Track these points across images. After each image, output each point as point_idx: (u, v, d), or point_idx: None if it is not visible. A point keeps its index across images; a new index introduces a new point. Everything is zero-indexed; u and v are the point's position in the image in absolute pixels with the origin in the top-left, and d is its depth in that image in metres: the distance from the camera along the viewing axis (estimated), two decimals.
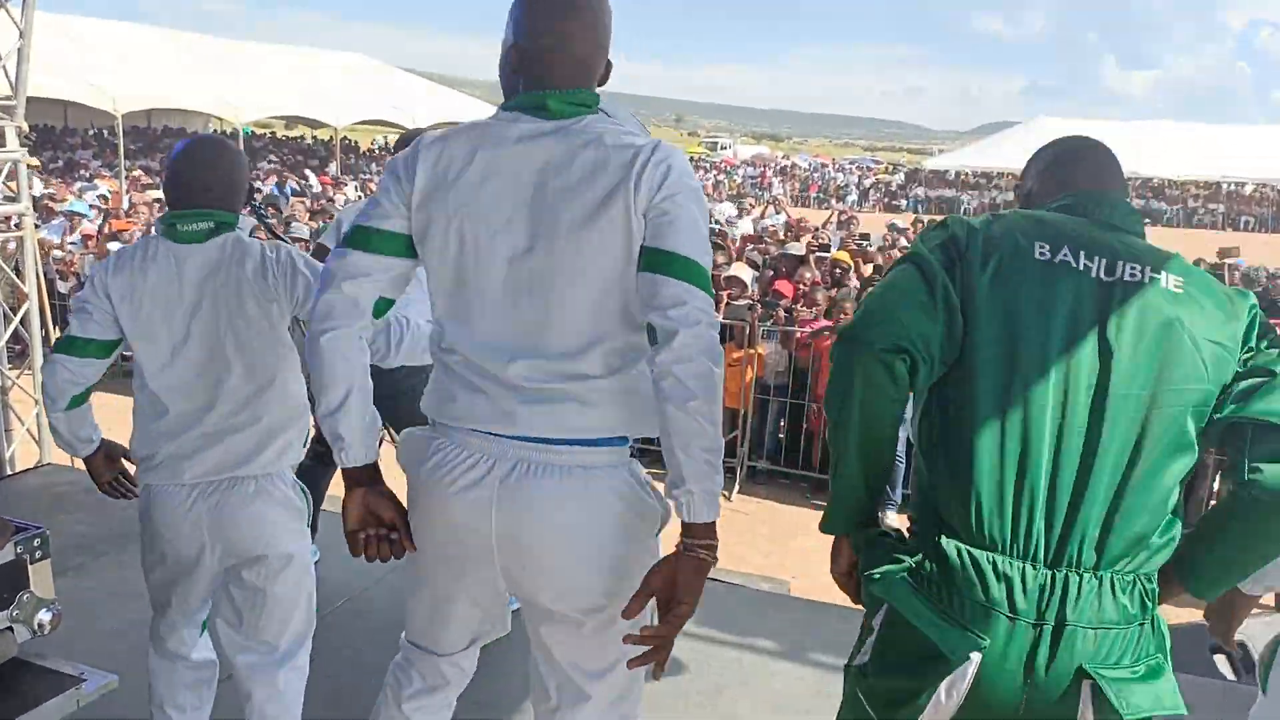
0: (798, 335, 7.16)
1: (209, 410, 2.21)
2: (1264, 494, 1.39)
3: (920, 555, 1.51)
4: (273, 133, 37.30)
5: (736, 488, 7.01)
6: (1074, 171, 1.66)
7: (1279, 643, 1.62)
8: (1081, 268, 1.48)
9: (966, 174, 41.08)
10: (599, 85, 1.73)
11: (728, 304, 7.55)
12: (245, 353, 2.19)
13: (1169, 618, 1.70)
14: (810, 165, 48.29)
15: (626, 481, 1.68)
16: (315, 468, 3.57)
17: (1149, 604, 1.46)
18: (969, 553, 1.45)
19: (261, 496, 2.24)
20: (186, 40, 28.06)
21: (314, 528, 2.71)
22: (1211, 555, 1.49)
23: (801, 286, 7.75)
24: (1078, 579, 1.41)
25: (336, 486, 1.97)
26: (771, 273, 8.29)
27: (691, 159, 51.37)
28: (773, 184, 39.88)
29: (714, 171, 42.86)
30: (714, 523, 1.56)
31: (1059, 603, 1.41)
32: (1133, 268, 1.48)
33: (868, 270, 8.57)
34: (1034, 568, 1.42)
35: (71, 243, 10.58)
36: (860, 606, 1.64)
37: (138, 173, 20.96)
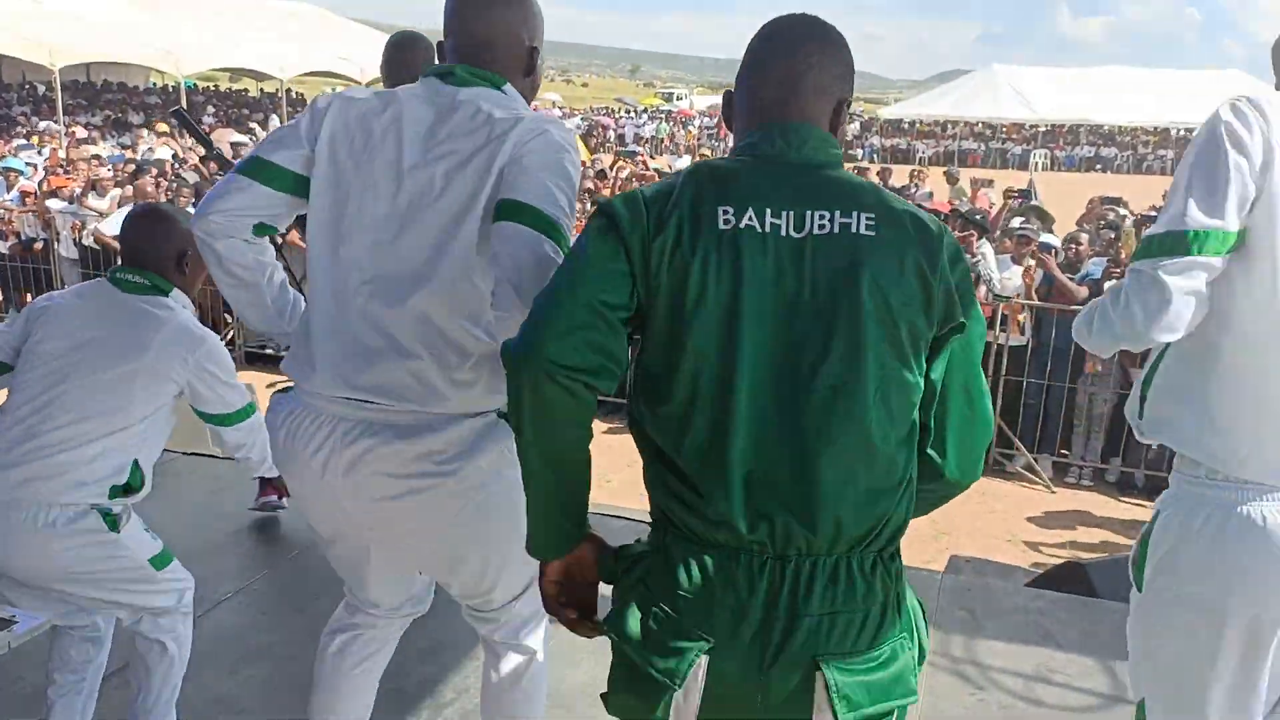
0: None
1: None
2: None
3: (649, 557, 1.43)
4: (216, 85, 36.39)
5: None
6: (762, 91, 1.45)
7: (1145, 541, 1.69)
8: (768, 228, 1.34)
9: (921, 123, 41.21)
10: (526, 74, 1.88)
11: None
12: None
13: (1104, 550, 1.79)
14: None
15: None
16: None
17: (890, 582, 1.38)
18: (688, 548, 1.37)
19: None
20: None
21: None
22: None
23: None
24: (808, 564, 1.33)
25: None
26: None
27: (647, 110, 50.87)
28: (729, 135, 39.67)
29: (670, 123, 42.57)
30: None
31: (789, 592, 1.33)
32: (822, 215, 1.34)
33: None
34: (756, 555, 1.34)
35: (9, 200, 10.32)
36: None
37: (77, 129, 20.37)
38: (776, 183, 1.38)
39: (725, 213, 1.34)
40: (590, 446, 1.45)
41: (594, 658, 3.03)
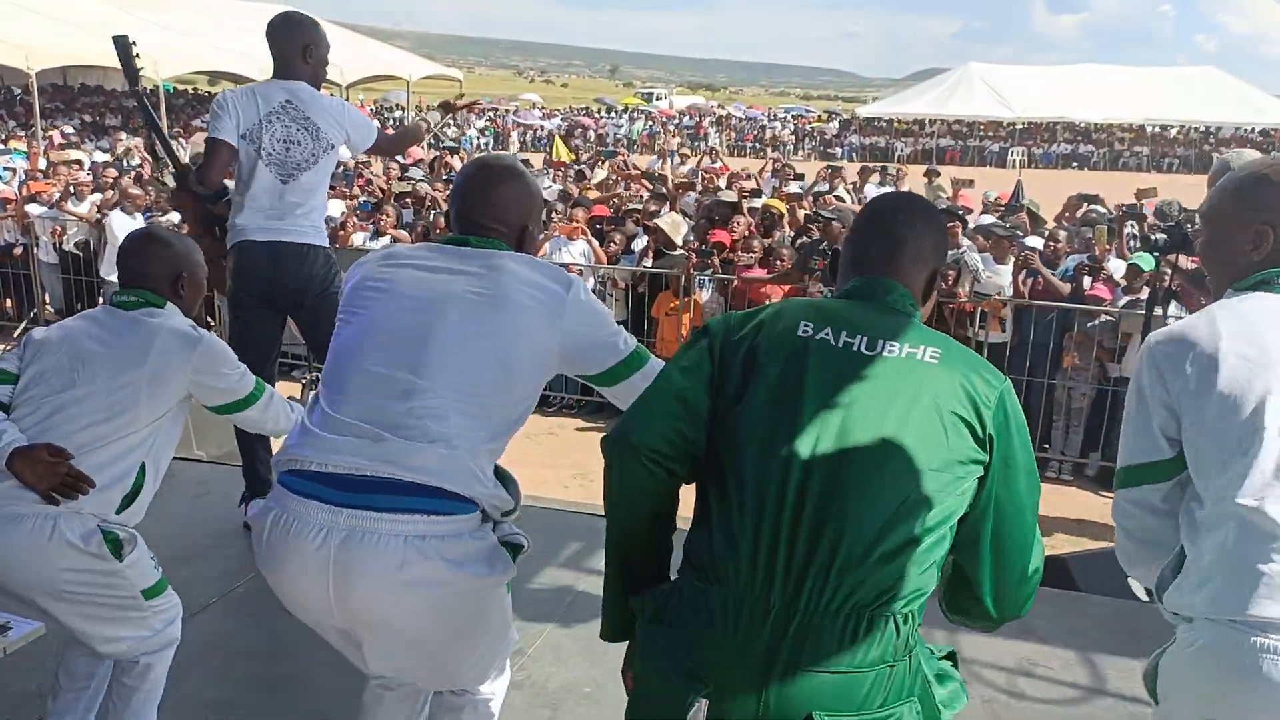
0: (735, 284, 7.26)
1: None
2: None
3: (667, 593, 1.56)
4: (195, 88, 36.15)
5: None
6: (869, 250, 1.64)
7: (1158, 659, 1.73)
8: (841, 344, 1.51)
9: (900, 121, 41.40)
10: None
11: (660, 252, 7.61)
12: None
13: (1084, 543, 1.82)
14: (745, 115, 48.23)
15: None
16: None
17: (905, 644, 1.45)
18: (701, 587, 1.48)
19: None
20: None
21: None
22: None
23: (735, 233, 7.83)
24: (816, 618, 1.41)
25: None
26: (705, 220, 8.35)
27: (627, 109, 50.77)
28: (709, 134, 39.78)
29: (651, 123, 42.59)
30: None
31: (792, 642, 1.40)
32: (892, 344, 1.51)
33: (801, 217, 8.65)
34: (764, 605, 1.42)
35: None
36: None
37: (54, 134, 20.19)
38: (858, 314, 1.57)
39: (805, 326, 1.54)
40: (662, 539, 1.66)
41: (580, 657, 3.05)
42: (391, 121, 36.92)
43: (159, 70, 22.45)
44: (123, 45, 3.78)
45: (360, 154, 4.01)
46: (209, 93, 35.57)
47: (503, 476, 1.89)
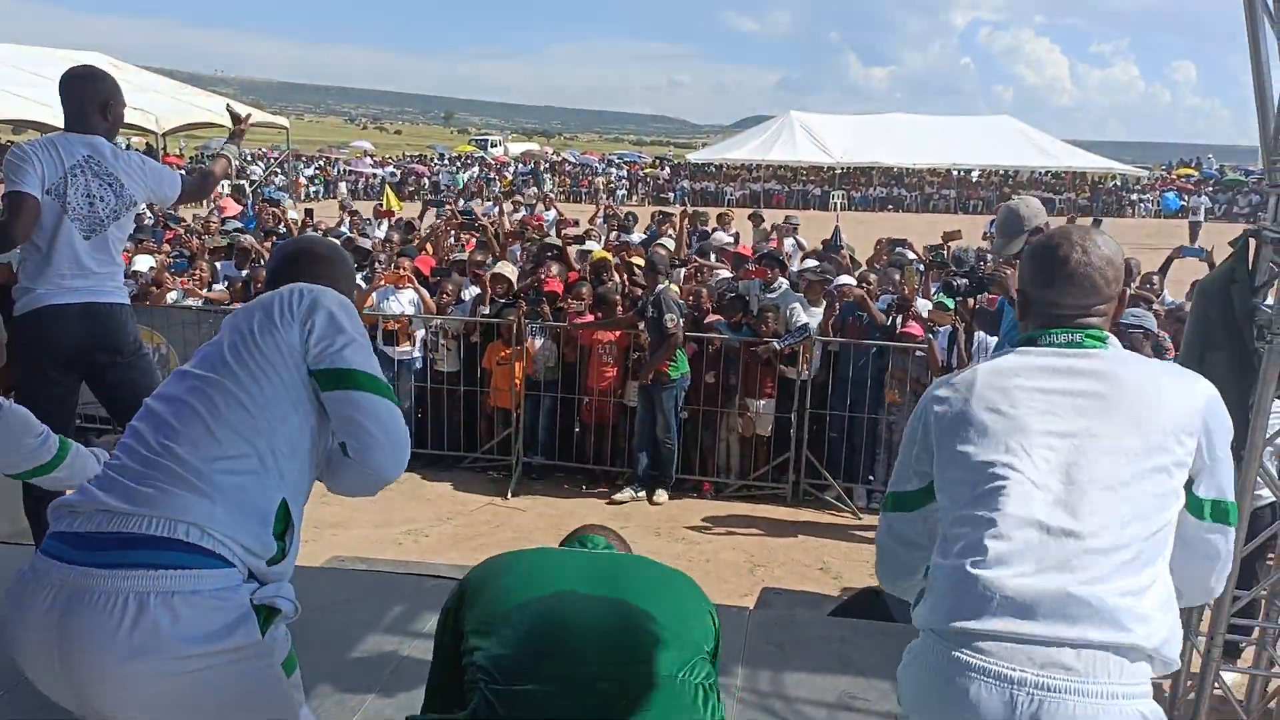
0: (569, 330, 7.28)
1: None
2: None
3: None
4: None
5: (512, 487, 7.05)
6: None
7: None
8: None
9: (728, 166, 42.83)
10: None
11: (493, 301, 7.57)
12: None
13: None
14: (578, 160, 48.82)
15: None
16: None
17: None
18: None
19: None
20: None
21: None
22: None
23: (553, 275, 7.87)
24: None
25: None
26: (533, 264, 8.37)
27: (462, 157, 50.51)
28: (544, 180, 40.02)
29: (486, 169, 42.53)
30: None
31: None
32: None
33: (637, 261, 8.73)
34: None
35: None
36: None
37: None
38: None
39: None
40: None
41: None
42: None
43: None
44: None
45: (168, 205, 3.88)
46: (12, 142, 33.33)
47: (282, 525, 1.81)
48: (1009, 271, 4.00)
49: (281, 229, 11.00)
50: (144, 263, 8.33)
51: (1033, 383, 1.74)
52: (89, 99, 3.45)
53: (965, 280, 4.70)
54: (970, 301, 4.74)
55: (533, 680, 1.67)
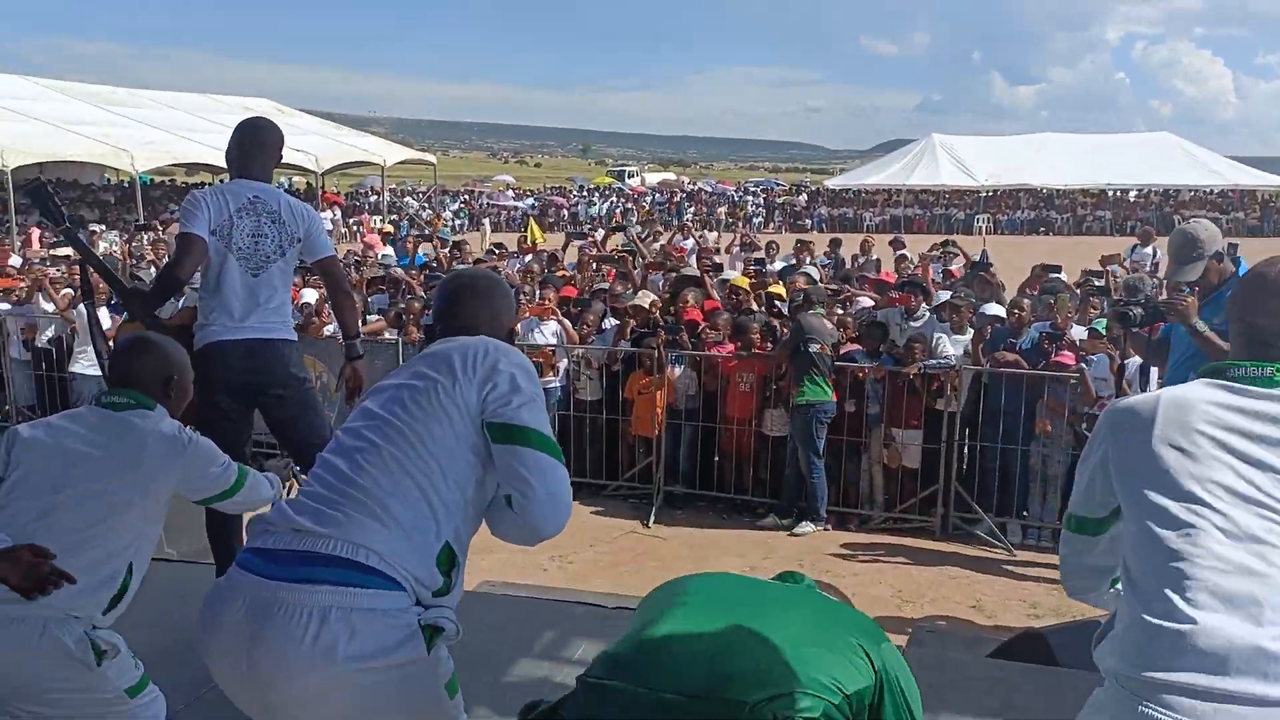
0: (709, 359, 7.29)
1: None
2: None
3: None
4: (173, 179, 36.43)
5: (653, 515, 7.08)
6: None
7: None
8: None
9: (866, 191, 42.18)
10: None
11: (632, 331, 7.64)
12: None
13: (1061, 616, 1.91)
14: (714, 189, 49.01)
15: None
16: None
17: None
18: None
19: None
20: (75, 89, 27.35)
21: None
22: None
23: (692, 304, 7.88)
24: None
25: None
26: (670, 294, 8.42)
27: (599, 188, 51.48)
28: (681, 209, 40.32)
29: (623, 200, 43.18)
30: None
31: None
32: None
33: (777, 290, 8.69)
34: None
35: None
36: None
37: (33, 231, 20.18)
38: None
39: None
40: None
41: None
42: (367, 206, 37.24)
43: (136, 164, 22.75)
44: (38, 193, 3.75)
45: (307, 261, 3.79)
46: (186, 183, 35.84)
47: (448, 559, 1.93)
48: (1190, 300, 3.78)
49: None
50: (310, 295, 8.77)
51: (1220, 421, 1.65)
52: (262, 149, 3.69)
53: (1140, 310, 4.47)
54: (1147, 331, 4.52)
55: (618, 678, 1.77)
